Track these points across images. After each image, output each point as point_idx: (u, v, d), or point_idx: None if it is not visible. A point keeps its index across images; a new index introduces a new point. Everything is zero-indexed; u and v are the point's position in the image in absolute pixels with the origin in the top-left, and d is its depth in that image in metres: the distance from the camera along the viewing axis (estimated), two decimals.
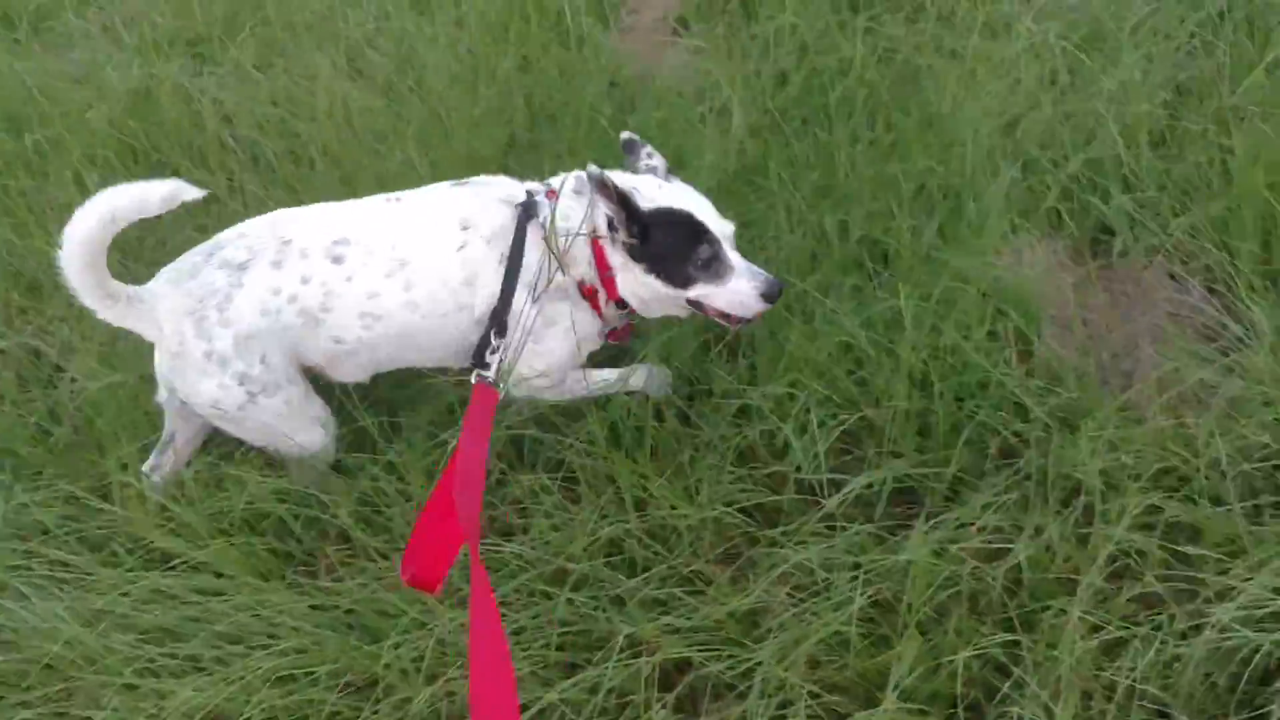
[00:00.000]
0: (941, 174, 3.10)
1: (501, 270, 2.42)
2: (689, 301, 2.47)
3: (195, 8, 4.71)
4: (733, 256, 2.43)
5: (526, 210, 2.45)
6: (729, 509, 2.36)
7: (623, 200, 2.35)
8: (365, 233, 2.43)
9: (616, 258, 2.45)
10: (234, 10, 4.69)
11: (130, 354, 2.83)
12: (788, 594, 2.20)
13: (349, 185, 3.38)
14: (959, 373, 2.57)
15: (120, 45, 4.50)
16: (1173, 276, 3.01)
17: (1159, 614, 2.04)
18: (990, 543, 2.16)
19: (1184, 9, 3.74)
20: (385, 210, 2.50)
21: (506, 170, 3.37)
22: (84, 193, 3.52)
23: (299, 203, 3.26)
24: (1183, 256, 2.99)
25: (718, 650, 2.10)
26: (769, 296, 2.40)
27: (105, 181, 3.51)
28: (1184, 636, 2.00)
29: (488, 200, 2.48)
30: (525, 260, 2.42)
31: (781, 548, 2.27)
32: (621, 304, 2.54)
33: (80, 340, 2.96)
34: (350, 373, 2.55)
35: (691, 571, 2.31)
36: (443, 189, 2.55)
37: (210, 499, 2.47)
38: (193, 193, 2.31)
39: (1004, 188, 3.01)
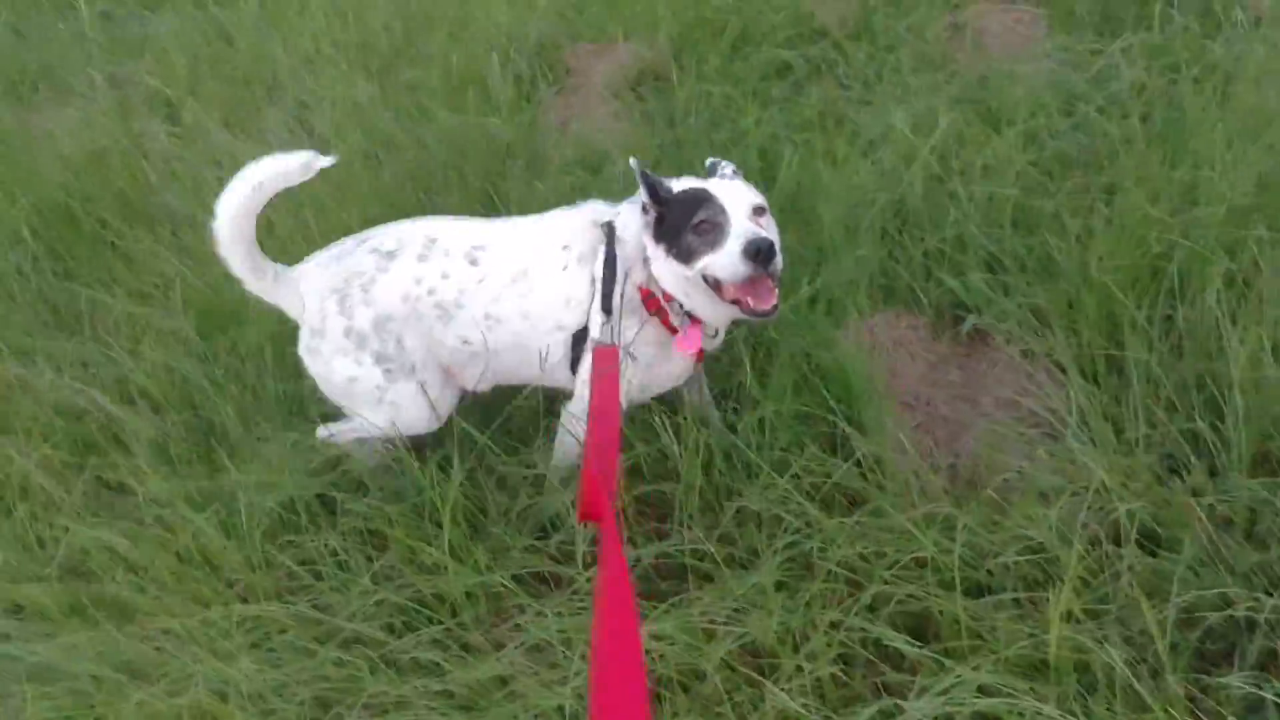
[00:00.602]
0: (797, 251, 3.15)
1: (591, 291, 2.49)
2: (707, 282, 2.38)
3: (175, 67, 5.04)
4: (738, 223, 2.32)
5: (611, 229, 2.51)
6: (504, 576, 2.44)
7: (648, 182, 2.41)
8: (499, 242, 2.56)
9: (650, 245, 2.46)
10: (214, 70, 5.00)
11: None
12: (544, 665, 2.28)
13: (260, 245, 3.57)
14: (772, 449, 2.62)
15: (102, 105, 4.84)
16: (1025, 355, 3.00)
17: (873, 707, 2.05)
18: (719, 622, 2.20)
19: (1088, 86, 3.73)
20: (517, 227, 2.63)
21: None
22: (23, 250, 3.84)
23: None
24: (1034, 336, 2.98)
25: (445, 715, 2.18)
26: (750, 252, 2.25)
27: (41, 240, 3.86)
28: None
29: (585, 222, 2.55)
30: (599, 278, 2.47)
31: (544, 616, 2.34)
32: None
33: None
34: (473, 379, 2.66)
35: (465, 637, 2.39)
36: (558, 213, 2.65)
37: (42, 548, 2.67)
38: (324, 161, 2.49)
39: (852, 263, 3.04)
